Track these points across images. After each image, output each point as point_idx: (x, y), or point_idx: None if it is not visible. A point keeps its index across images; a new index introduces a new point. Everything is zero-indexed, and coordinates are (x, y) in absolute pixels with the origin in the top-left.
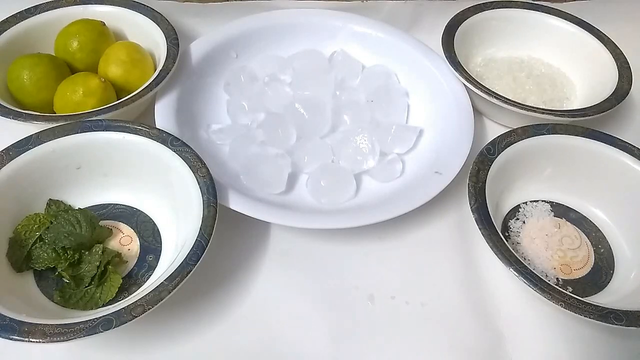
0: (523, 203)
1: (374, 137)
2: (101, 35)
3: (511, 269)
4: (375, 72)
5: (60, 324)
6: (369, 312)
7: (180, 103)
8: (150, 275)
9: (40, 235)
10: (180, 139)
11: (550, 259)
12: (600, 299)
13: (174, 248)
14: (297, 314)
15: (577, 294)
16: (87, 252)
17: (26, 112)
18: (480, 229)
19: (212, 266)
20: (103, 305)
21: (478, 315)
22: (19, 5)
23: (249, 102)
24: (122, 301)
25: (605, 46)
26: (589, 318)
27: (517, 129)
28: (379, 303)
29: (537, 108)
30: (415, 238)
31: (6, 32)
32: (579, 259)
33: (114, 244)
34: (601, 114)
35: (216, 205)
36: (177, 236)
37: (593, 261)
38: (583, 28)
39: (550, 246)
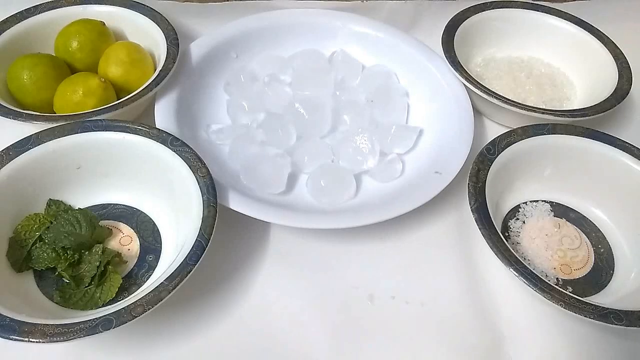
0: (523, 203)
1: (374, 137)
2: (101, 35)
3: (511, 269)
4: (375, 72)
5: (60, 324)
6: (369, 312)
7: (180, 103)
8: (150, 275)
9: (40, 235)
10: (180, 139)
11: (550, 259)
12: (600, 299)
13: (174, 248)
14: (297, 313)
15: (577, 294)
16: (87, 252)
17: (26, 112)
18: (480, 229)
19: (212, 266)
20: (103, 305)
21: (478, 315)
22: (19, 5)
23: (249, 102)
24: (122, 301)
25: (605, 46)
26: (589, 318)
27: (517, 129)
28: (379, 303)
29: (537, 108)
30: (415, 238)
31: (6, 32)
32: (579, 259)
33: (114, 244)
34: (601, 114)
35: (216, 205)
36: (177, 236)
37: (593, 261)
38: (583, 28)
39: (550, 246)
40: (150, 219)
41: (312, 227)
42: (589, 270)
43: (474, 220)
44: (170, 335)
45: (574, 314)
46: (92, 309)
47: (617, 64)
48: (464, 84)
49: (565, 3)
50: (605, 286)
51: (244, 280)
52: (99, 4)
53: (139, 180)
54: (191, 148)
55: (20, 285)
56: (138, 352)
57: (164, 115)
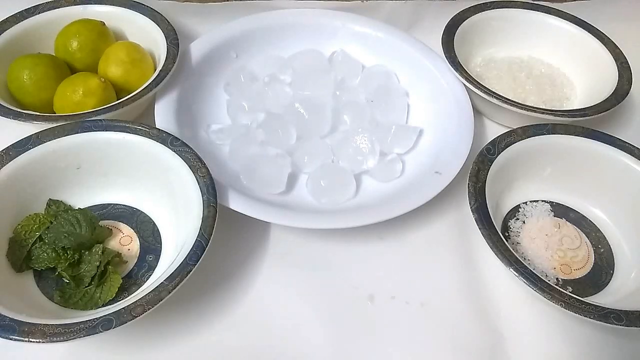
0: (523, 203)
1: (374, 137)
2: (101, 35)
3: (511, 269)
4: (375, 72)
5: (60, 324)
6: (369, 312)
7: (180, 103)
8: (150, 275)
9: (40, 235)
10: (180, 139)
11: (550, 259)
12: (600, 299)
13: (174, 248)
14: (297, 313)
15: (577, 294)
16: (87, 252)
17: (26, 112)
18: (480, 229)
19: (212, 266)
20: (103, 305)
21: (478, 315)
22: (19, 5)
23: (249, 102)
24: (122, 301)
25: (605, 46)
26: (589, 318)
27: (517, 129)
28: (379, 303)
29: (537, 108)
30: (415, 238)
31: (6, 32)
32: (579, 259)
33: (114, 244)
34: (601, 114)
35: (216, 205)
36: (177, 236)
37: (593, 261)
38: (583, 28)
39: (550, 246)
40: (150, 219)
41: (312, 227)
42: (589, 270)
43: (474, 220)
44: (170, 335)
45: (574, 314)
46: (92, 309)
47: (617, 64)
48: (464, 84)
49: (565, 3)
50: (605, 286)
51: (244, 280)
52: (99, 4)
53: (138, 180)
54: (191, 148)
55: (20, 285)
56: (138, 352)
57: (164, 115)
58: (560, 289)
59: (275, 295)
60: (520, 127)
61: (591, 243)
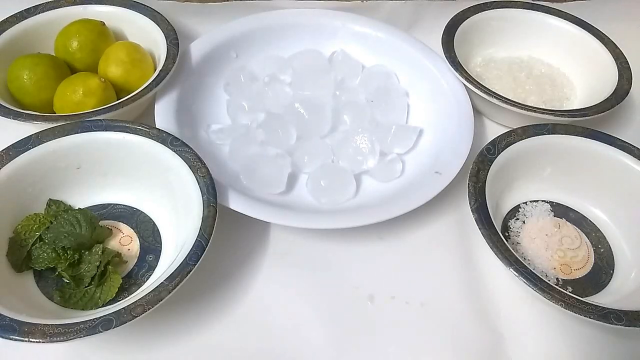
0: (523, 203)
1: (374, 137)
2: (101, 35)
3: (511, 269)
4: (375, 72)
5: (60, 324)
6: (369, 312)
7: (180, 103)
8: (150, 275)
9: (40, 235)
10: (180, 139)
11: (550, 259)
12: (600, 299)
13: (174, 248)
14: (297, 313)
15: (577, 294)
16: (87, 252)
17: (26, 112)
18: (480, 229)
19: (212, 266)
20: (103, 305)
21: (478, 315)
22: (19, 5)
23: (249, 102)
24: (122, 301)
25: (605, 46)
26: (589, 318)
27: (517, 129)
28: (379, 303)
29: (537, 108)
30: (415, 238)
31: (6, 32)
32: (578, 259)
33: (114, 244)
34: (601, 114)
35: (216, 205)
36: (177, 236)
37: (593, 261)
38: (583, 28)
39: (550, 246)
40: (150, 219)
41: (312, 227)
42: (589, 270)
43: (474, 220)
44: (170, 335)
45: (574, 314)
46: (92, 309)
47: (617, 64)
48: (464, 84)
49: (565, 3)
50: (605, 286)
51: (244, 280)
52: (99, 4)
53: (139, 180)
54: (191, 148)
55: (20, 285)
56: (138, 352)
57: (164, 115)
58: (560, 289)
59: (275, 295)
60: (520, 127)
61: (591, 243)
